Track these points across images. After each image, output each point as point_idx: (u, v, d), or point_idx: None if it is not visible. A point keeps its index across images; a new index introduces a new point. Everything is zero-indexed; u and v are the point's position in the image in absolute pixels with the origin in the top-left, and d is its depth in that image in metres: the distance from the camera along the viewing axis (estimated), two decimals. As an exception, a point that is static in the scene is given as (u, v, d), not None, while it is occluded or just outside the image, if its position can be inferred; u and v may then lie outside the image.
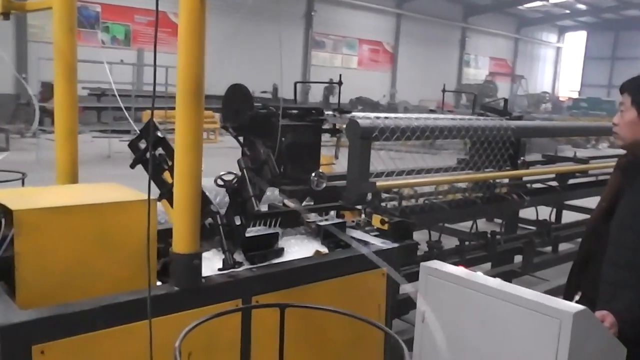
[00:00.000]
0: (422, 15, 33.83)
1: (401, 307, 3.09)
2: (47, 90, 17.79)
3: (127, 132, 17.26)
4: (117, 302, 2.01)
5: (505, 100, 4.28)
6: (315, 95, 27.44)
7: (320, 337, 2.56)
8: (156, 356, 2.08)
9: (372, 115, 3.17)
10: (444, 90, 4.98)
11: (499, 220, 5.21)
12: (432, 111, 5.61)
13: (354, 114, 3.18)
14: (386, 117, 3.18)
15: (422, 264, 2.04)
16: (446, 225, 4.20)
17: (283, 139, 2.92)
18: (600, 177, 5.21)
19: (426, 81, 33.61)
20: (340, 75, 3.50)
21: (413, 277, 3.64)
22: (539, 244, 4.44)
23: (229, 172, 2.40)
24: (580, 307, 1.71)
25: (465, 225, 4.57)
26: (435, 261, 2.07)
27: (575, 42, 49.72)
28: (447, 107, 32.33)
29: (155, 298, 2.09)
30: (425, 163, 4.44)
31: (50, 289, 2.03)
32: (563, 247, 5.02)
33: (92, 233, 2.11)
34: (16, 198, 2.05)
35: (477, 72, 40.82)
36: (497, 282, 1.90)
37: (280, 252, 2.62)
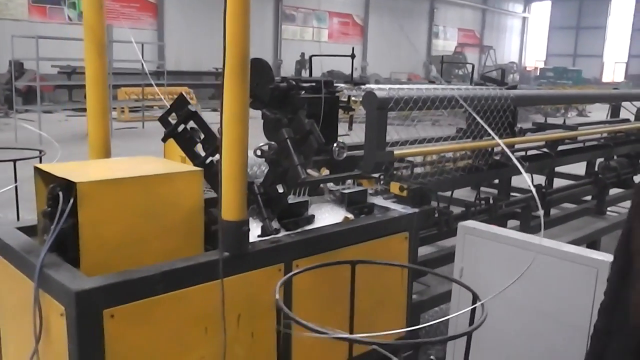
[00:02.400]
0: (391, -13, 33.91)
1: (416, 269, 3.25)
2: (16, 69, 17.40)
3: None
4: (175, 268, 2.12)
5: (503, 71, 4.44)
6: (287, 69, 27.38)
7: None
8: (210, 318, 2.21)
9: (387, 86, 3.29)
10: (442, 62, 5.10)
11: (486, 190, 5.43)
12: (431, 82, 5.74)
13: (368, 85, 3.29)
14: (400, 89, 3.30)
15: (459, 223, 2.19)
16: (446, 194, 4.39)
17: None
18: (587, 143, 5.46)
19: (396, 53, 33.81)
20: (353, 49, 3.59)
21: (429, 239, 3.84)
22: (535, 207, 4.65)
23: (269, 143, 2.50)
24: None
25: (459, 194, 4.78)
26: (471, 221, 2.23)
27: (541, 12, 50.37)
28: (417, 78, 32.65)
29: (207, 263, 2.21)
30: (419, 134, 4.59)
31: (108, 257, 2.13)
32: (554, 211, 5.31)
33: (143, 203, 2.20)
34: (73, 172, 2.13)
35: (446, 44, 41.13)
36: (533, 237, 2.06)
37: (311, 219, 2.75)
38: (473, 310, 1.59)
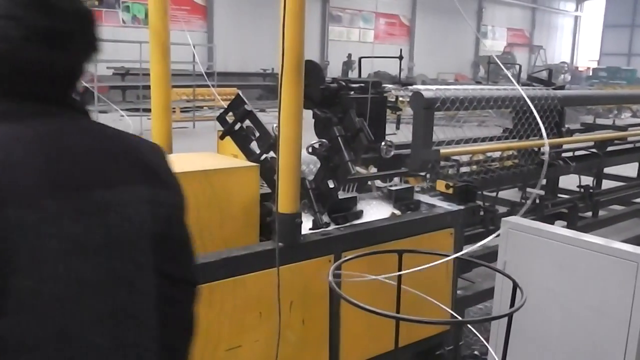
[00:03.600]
0: (439, -13, 33.63)
1: (464, 264, 3.33)
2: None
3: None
4: (234, 256, 2.28)
5: (550, 71, 4.47)
6: (333, 70, 27.54)
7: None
8: (264, 304, 2.37)
9: (434, 86, 3.39)
10: (489, 62, 5.15)
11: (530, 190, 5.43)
12: (478, 82, 5.78)
13: (416, 86, 3.40)
14: (446, 89, 3.39)
15: (503, 219, 2.28)
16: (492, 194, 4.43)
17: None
18: (638, 144, 5.39)
19: (443, 54, 33.52)
20: (401, 50, 3.70)
21: (475, 238, 3.90)
22: (582, 208, 4.66)
23: (320, 141, 2.64)
24: (657, 251, 1.95)
25: (507, 195, 4.82)
26: (514, 216, 2.31)
27: (594, 10, 49.00)
28: (464, 79, 32.30)
29: (263, 252, 2.37)
30: (465, 134, 4.66)
31: (173, 245, 2.30)
32: (602, 212, 5.27)
33: (203, 195, 2.37)
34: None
35: (494, 44, 40.49)
36: (574, 232, 2.14)
37: (359, 214, 2.88)
38: (513, 297, 1.68)
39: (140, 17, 23.46)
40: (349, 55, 27.46)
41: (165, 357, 1.21)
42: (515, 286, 1.66)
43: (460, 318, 2.83)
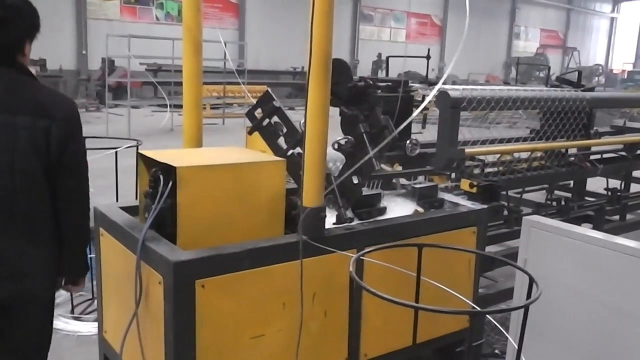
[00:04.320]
0: (472, -13, 33.29)
1: (487, 263, 3.36)
2: (107, 67, 18.50)
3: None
4: (259, 247, 2.35)
5: (579, 72, 4.45)
6: (363, 69, 27.54)
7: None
8: (287, 294, 2.43)
9: (460, 87, 3.42)
10: (518, 63, 5.12)
11: (560, 193, 5.41)
12: (506, 83, 5.77)
13: (442, 85, 3.42)
14: (472, 89, 3.42)
15: (524, 218, 2.31)
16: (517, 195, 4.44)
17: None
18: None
19: (475, 54, 33.22)
20: (429, 50, 3.73)
21: (499, 238, 3.92)
22: (609, 211, 4.63)
23: (345, 137, 2.69)
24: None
25: (534, 197, 4.81)
26: (536, 215, 2.34)
27: (631, 11, 47.94)
28: (495, 80, 31.99)
29: (287, 245, 2.43)
30: (492, 134, 4.67)
31: (201, 234, 2.38)
32: (630, 216, 5.22)
33: (232, 188, 2.44)
34: (172, 158, 2.40)
35: (527, 45, 40.02)
36: (595, 232, 2.15)
37: (383, 210, 2.93)
38: (529, 291, 1.72)
39: (174, 15, 23.80)
40: (379, 55, 27.45)
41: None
42: (531, 281, 1.70)
43: (481, 317, 2.86)
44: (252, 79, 19.73)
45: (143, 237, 2.29)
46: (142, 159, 2.58)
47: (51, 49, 19.45)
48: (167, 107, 14.73)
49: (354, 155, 2.69)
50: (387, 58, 3.71)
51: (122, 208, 2.82)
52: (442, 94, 3.29)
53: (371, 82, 3.21)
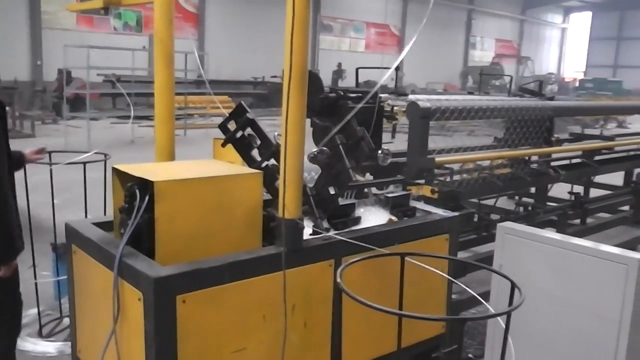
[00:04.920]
0: (429, -2, 33.89)
1: (459, 269, 3.42)
2: (63, 78, 18.09)
3: (145, 117, 17.60)
4: (239, 260, 2.35)
5: (540, 82, 4.59)
6: (323, 79, 27.68)
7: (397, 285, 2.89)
8: (268, 307, 2.43)
9: (430, 97, 3.49)
10: (481, 74, 5.26)
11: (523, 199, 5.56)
12: (470, 93, 5.90)
13: (412, 96, 3.49)
14: (442, 99, 3.49)
15: (498, 224, 2.38)
16: (483, 202, 4.54)
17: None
18: (624, 154, 5.54)
19: (433, 64, 33.82)
20: (398, 62, 3.78)
21: (469, 244, 4.00)
22: (571, 216, 4.77)
23: (321, 149, 2.71)
24: (645, 255, 2.05)
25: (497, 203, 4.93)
26: (509, 222, 2.40)
27: (581, 22, 49.68)
28: (453, 89, 32.62)
29: (267, 257, 2.44)
30: (455, 143, 4.77)
31: (180, 249, 2.36)
32: (590, 220, 5.40)
33: (210, 201, 2.44)
34: (148, 172, 2.38)
35: (483, 54, 40.95)
36: (567, 237, 2.23)
37: (358, 220, 2.95)
38: (511, 297, 1.77)
39: (132, 25, 23.49)
40: (339, 65, 27.66)
41: None
42: (513, 286, 1.75)
43: (457, 323, 2.91)
44: (214, 89, 19.62)
45: (120, 253, 2.26)
46: (116, 173, 2.55)
47: (5, 60, 18.96)
48: (128, 118, 14.49)
49: (330, 166, 2.71)
50: (357, 69, 3.74)
51: (95, 224, 2.78)
52: (412, 104, 3.36)
53: (342, 93, 3.25)
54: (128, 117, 15.35)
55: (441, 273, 2.58)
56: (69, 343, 3.90)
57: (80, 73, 16.28)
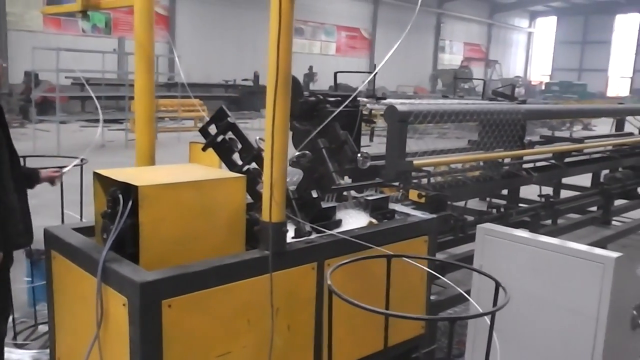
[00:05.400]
0: (399, 1, 34.23)
1: (437, 270, 3.48)
2: (30, 80, 17.76)
3: (115, 121, 17.39)
4: (224, 264, 2.35)
5: (513, 86, 4.70)
6: (295, 82, 27.65)
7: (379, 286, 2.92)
8: (252, 310, 2.44)
9: (407, 101, 3.54)
10: (455, 78, 5.35)
11: (494, 200, 5.67)
12: (444, 97, 5.99)
13: (389, 100, 3.54)
14: (419, 103, 3.55)
15: (478, 225, 2.43)
16: (454, 204, 4.62)
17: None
18: (594, 156, 5.70)
19: (403, 67, 34.11)
20: (375, 66, 3.84)
21: (446, 245, 4.06)
22: (542, 216, 4.88)
23: (303, 152, 2.74)
24: (620, 253, 2.12)
25: (469, 204, 5.02)
26: (489, 223, 2.46)
27: (546, 26, 50.76)
28: (423, 92, 32.97)
29: (251, 260, 2.45)
30: (427, 146, 4.84)
31: (164, 253, 2.36)
32: (560, 221, 5.53)
33: (194, 205, 2.44)
34: (131, 177, 2.37)
35: (452, 58, 41.51)
36: (546, 237, 2.30)
37: (339, 222, 2.99)
38: (496, 297, 1.82)
39: (101, 27, 23.17)
40: (310, 68, 27.73)
41: None
42: (497, 286, 1.80)
43: (435, 322, 2.96)
44: (184, 92, 19.49)
45: (104, 258, 2.25)
46: (98, 178, 2.53)
47: (-31, 62, 18.49)
48: (97, 121, 14.27)
49: (313, 169, 2.74)
50: (335, 74, 3.78)
51: (75, 229, 2.75)
52: (390, 108, 3.41)
53: (322, 97, 3.28)
54: (97, 120, 15.15)
55: (433, 272, 2.63)
56: (46, 351, 3.86)
57: (48, 76, 16.00)
